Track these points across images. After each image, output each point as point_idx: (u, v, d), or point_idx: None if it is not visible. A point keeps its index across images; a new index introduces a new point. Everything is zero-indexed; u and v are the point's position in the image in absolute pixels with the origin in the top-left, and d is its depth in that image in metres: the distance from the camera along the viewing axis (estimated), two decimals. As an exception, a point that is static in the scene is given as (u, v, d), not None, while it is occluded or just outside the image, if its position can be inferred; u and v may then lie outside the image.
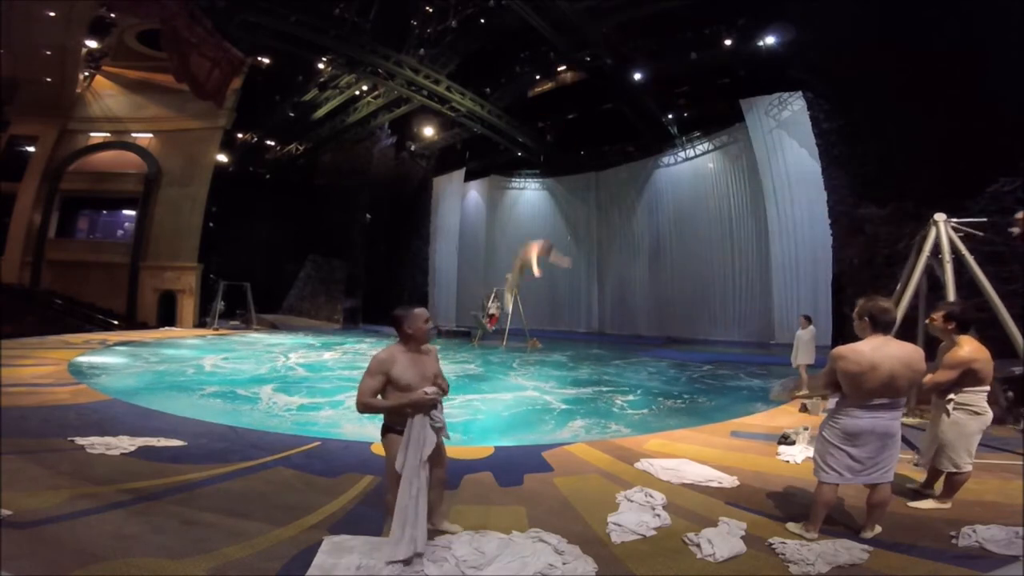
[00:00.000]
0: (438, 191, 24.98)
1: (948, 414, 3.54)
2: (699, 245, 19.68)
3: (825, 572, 2.71)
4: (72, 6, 16.54)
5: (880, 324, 2.98)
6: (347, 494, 3.68)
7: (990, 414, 3.54)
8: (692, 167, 20.09)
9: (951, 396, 3.54)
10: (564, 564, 2.73)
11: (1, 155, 19.99)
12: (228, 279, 20.65)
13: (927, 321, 3.93)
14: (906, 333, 3.93)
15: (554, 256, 16.96)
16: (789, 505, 3.63)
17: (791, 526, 3.17)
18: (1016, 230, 4.88)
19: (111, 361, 10.78)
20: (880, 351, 2.90)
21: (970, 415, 3.50)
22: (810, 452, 4.92)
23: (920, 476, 3.94)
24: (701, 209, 19.60)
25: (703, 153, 19.76)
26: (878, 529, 3.09)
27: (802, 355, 8.61)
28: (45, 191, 20.49)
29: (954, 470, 3.52)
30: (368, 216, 24.48)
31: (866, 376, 2.88)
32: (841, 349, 3.01)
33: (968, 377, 3.47)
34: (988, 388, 3.56)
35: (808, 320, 8.94)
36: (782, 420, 6.50)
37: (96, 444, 4.53)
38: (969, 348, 3.49)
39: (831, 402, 3.24)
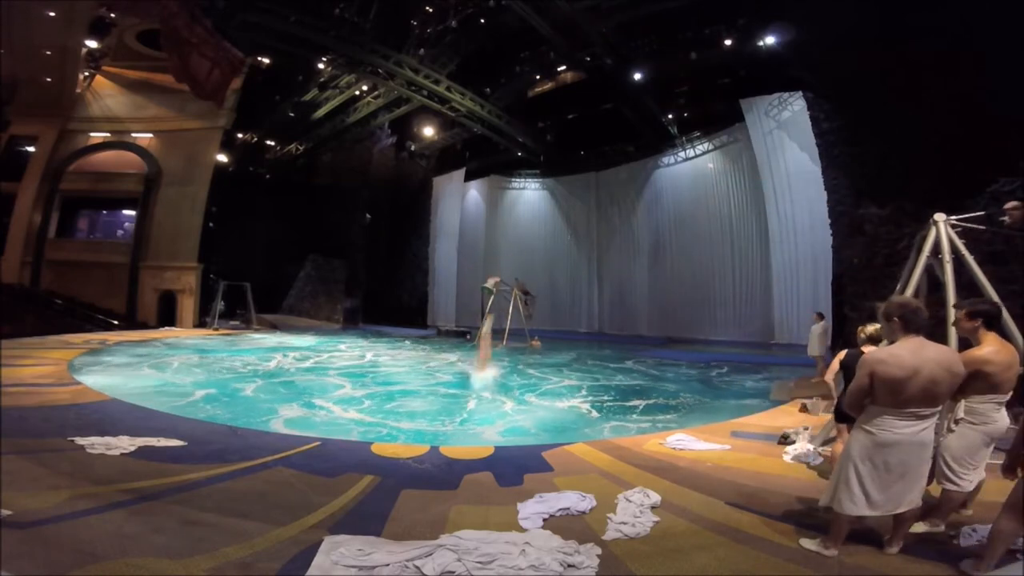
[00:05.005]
0: (438, 191, 24.97)
1: (953, 424, 3.16)
2: (699, 245, 19.66)
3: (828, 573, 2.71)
4: (72, 6, 16.52)
5: (914, 325, 2.73)
6: (347, 494, 3.69)
7: (1000, 424, 3.12)
8: (692, 167, 20.06)
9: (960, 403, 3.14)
10: (567, 558, 2.73)
11: (1, 155, 19.98)
12: (228, 279, 20.63)
13: (952, 324, 3.63)
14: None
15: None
16: (792, 506, 3.63)
17: (806, 542, 2.97)
18: (1007, 219, 4.82)
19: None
20: (919, 355, 2.66)
21: (974, 425, 3.11)
22: (804, 449, 4.94)
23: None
24: (701, 209, 19.58)
25: (703, 153, 19.73)
26: (902, 543, 2.91)
27: (814, 347, 10.11)
28: (45, 191, 20.47)
29: (949, 486, 3.16)
30: (368, 216, 24.48)
31: (909, 382, 2.63)
32: (877, 353, 2.77)
33: (979, 382, 3.02)
34: (1003, 398, 3.11)
35: (820, 316, 10.53)
36: (782, 420, 6.50)
37: (96, 444, 4.53)
38: (989, 349, 3.06)
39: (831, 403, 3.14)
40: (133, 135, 21.74)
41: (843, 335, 12.81)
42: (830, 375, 4.19)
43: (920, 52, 9.20)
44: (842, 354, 4.08)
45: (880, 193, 10.69)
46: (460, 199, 24.67)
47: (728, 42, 14.97)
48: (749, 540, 3.06)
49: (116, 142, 21.54)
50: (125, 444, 4.59)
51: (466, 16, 16.28)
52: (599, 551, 2.88)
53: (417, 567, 2.62)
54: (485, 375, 10.18)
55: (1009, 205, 4.87)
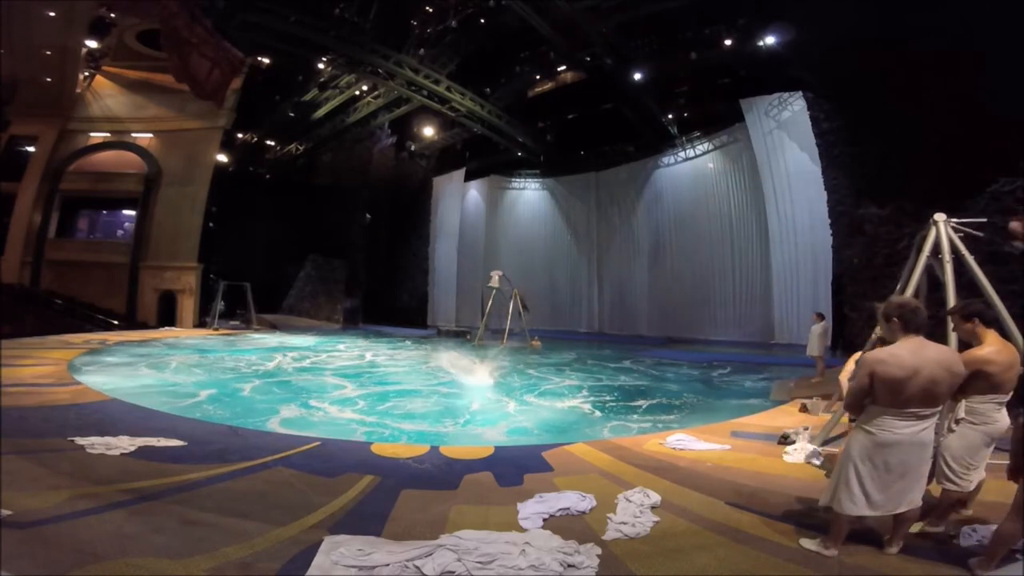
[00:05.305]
0: (438, 191, 24.99)
1: (953, 424, 3.14)
2: (699, 245, 19.68)
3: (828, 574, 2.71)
4: (72, 6, 16.54)
5: (913, 325, 2.72)
6: (347, 494, 3.68)
7: (1001, 424, 3.09)
8: (692, 167, 20.08)
9: (960, 403, 3.12)
10: (567, 558, 2.73)
11: (1, 155, 19.98)
12: (228, 279, 20.63)
13: (953, 330, 3.63)
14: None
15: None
16: (792, 506, 3.63)
17: (806, 542, 2.96)
18: (1019, 244, 4.77)
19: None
20: (919, 355, 2.65)
21: (975, 425, 3.09)
22: (809, 449, 4.95)
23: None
24: (701, 209, 19.60)
25: (703, 153, 19.75)
26: (902, 543, 2.89)
27: (814, 347, 9.92)
28: (45, 191, 20.47)
29: (949, 486, 3.14)
30: (368, 216, 24.50)
31: (909, 382, 2.62)
32: (878, 354, 2.75)
33: (980, 381, 3.00)
34: (1004, 398, 3.09)
35: (820, 316, 10.35)
36: (782, 420, 6.50)
37: (96, 444, 4.52)
38: (990, 349, 3.04)
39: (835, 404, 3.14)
40: (133, 135, 21.74)
41: (843, 335, 12.84)
42: (844, 375, 4.19)
43: (920, 52, 9.21)
44: (858, 355, 4.11)
45: (880, 193, 10.70)
46: (460, 199, 24.69)
47: (728, 42, 15.00)
48: (749, 540, 3.06)
49: (116, 142, 21.54)
50: (125, 444, 4.59)
51: (466, 16, 16.31)
52: (599, 551, 2.88)
53: (417, 567, 2.62)
54: (482, 370, 10.18)
55: (1013, 224, 4.85)
